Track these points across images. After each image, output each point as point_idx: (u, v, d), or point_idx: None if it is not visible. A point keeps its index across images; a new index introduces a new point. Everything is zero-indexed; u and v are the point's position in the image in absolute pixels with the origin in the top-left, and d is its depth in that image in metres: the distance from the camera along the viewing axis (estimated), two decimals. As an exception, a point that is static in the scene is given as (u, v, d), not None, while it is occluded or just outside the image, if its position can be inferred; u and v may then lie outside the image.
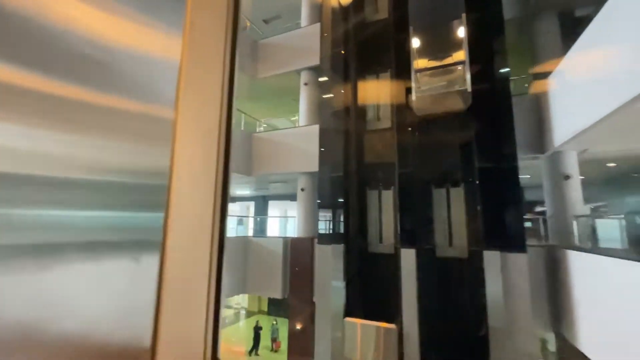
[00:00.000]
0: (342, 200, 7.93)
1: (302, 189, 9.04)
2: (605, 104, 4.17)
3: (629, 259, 4.19)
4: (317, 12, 9.64)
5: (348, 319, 6.91)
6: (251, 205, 17.25)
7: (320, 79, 9.11)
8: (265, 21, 12.50)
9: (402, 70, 7.40)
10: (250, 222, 10.22)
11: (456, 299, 6.69)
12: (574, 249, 5.72)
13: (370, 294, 7.52)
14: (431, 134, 7.32)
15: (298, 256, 8.66)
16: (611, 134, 5.21)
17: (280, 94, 11.66)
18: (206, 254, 0.62)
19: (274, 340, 11.23)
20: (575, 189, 6.31)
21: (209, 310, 0.63)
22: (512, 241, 5.87)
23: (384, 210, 7.86)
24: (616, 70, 3.98)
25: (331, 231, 7.88)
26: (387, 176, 7.87)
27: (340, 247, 7.39)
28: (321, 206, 8.20)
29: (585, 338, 5.50)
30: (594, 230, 5.83)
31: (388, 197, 7.88)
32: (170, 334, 0.54)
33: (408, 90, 7.08)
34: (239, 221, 9.99)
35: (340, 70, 8.69)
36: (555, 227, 6.46)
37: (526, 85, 7.87)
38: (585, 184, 6.54)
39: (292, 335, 8.76)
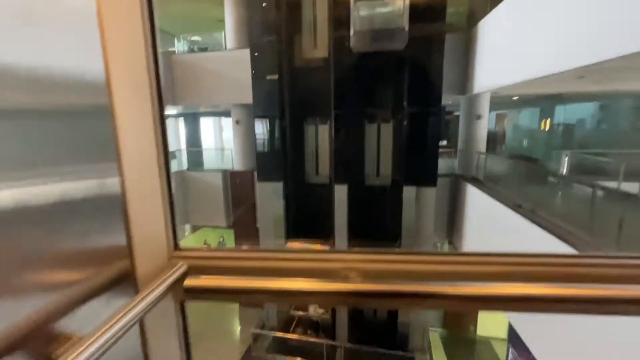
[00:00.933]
0: (279, 135, 7.95)
1: (237, 122, 8.71)
2: (515, 74, 4.63)
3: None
4: None
5: (290, 242, 7.93)
6: (180, 122, 16.00)
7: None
8: None
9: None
10: (184, 155, 9.72)
11: (379, 220, 7.98)
12: (467, 180, 7.03)
13: (308, 219, 8.47)
14: (367, 69, 7.26)
15: (239, 188, 8.96)
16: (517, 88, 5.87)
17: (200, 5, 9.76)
18: (155, 173, 0.76)
19: (222, 254, 12.31)
20: (483, 128, 7.27)
21: (165, 212, 0.79)
22: (426, 178, 6.90)
23: (320, 144, 8.19)
24: (525, 48, 4.31)
25: (270, 165, 8.11)
26: (323, 110, 7.91)
27: (279, 185, 7.81)
28: (258, 139, 8.15)
29: (465, 243, 7.32)
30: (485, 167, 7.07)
31: (324, 132, 8.12)
32: (139, 234, 0.69)
33: (344, 22, 6.59)
34: (172, 155, 9.51)
35: (271, -18, 7.42)
36: (464, 161, 7.63)
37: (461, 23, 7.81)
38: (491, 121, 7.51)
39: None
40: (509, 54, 4.98)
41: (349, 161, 7.68)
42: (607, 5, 2.97)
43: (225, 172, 9.03)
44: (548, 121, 11.82)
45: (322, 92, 7.69)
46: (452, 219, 7.80)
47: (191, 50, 11.78)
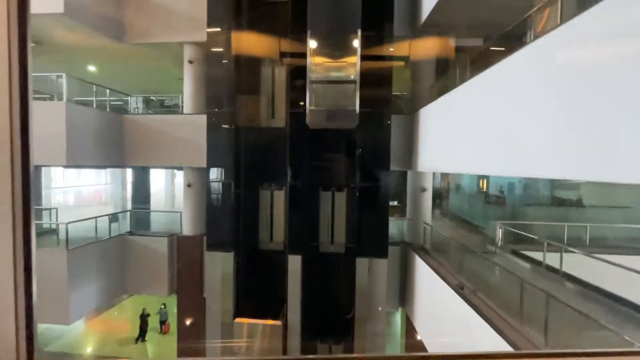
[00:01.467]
0: (232, 201, 7.78)
1: (189, 185, 8.43)
2: (451, 165, 5.18)
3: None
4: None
5: (237, 319, 7.39)
6: (129, 173, 15.07)
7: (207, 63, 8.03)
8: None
9: (299, 68, 7.19)
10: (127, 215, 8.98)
11: (333, 290, 7.86)
12: (415, 250, 7.36)
13: (260, 290, 8.07)
14: (322, 141, 7.63)
15: (186, 254, 8.40)
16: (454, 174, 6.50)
17: (159, 64, 9.85)
18: (8, 255, 0.56)
19: (162, 322, 11.09)
20: (427, 199, 7.81)
21: (18, 308, 0.59)
22: (379, 250, 7.10)
23: (276, 210, 8.14)
24: (459, 143, 4.91)
25: (221, 233, 7.79)
26: (278, 177, 8.00)
27: (230, 255, 7.47)
28: (210, 204, 7.89)
29: (417, 312, 7.40)
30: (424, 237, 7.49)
31: (279, 197, 8.13)
32: None
33: (301, 99, 7.02)
34: (113, 218, 8.78)
35: (229, 56, 7.78)
36: (412, 229, 8.00)
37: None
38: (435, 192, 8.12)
39: (182, 320, 8.85)
40: (446, 143, 5.57)
41: (303, 228, 7.69)
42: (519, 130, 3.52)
43: (172, 237, 8.48)
44: (485, 182, 13.21)
45: (278, 159, 7.87)
46: (404, 287, 7.93)
47: (146, 106, 11.60)
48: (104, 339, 11.10)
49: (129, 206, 14.62)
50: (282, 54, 7.82)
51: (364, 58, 6.78)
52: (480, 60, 4.90)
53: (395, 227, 9.33)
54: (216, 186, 7.88)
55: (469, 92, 4.76)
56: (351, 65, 6.90)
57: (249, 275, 8.00)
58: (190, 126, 8.19)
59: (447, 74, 6.98)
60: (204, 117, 7.95)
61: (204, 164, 7.93)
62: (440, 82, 6.97)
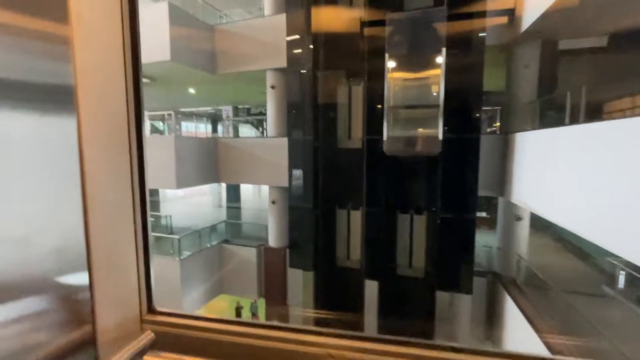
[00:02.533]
0: (311, 222, 8.17)
1: (273, 202, 9.10)
2: (554, 215, 4.46)
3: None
4: None
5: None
6: (223, 190, 17.00)
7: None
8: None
9: (376, 90, 6.98)
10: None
11: (411, 311, 7.72)
12: (505, 286, 6.62)
13: (338, 304, 8.42)
14: (400, 163, 7.35)
15: (271, 264, 9.22)
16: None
17: (247, 83, 10.65)
18: (129, 212, 0.70)
19: (253, 314, 12.60)
20: (523, 229, 6.93)
21: (139, 266, 0.71)
22: (462, 285, 6.64)
23: (352, 230, 8.26)
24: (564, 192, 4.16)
25: (302, 254, 8.30)
26: (355, 197, 8.05)
27: (310, 274, 7.93)
28: (291, 223, 8.43)
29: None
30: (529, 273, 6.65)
31: (356, 217, 8.21)
32: (105, 295, 0.62)
33: (378, 125, 6.82)
34: (212, 228, 10.11)
35: (309, 79, 7.96)
36: (502, 258, 7.25)
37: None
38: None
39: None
40: (553, 187, 4.80)
41: (380, 250, 7.65)
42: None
43: (259, 248, 9.38)
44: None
45: (355, 179, 7.89)
46: (491, 322, 7.32)
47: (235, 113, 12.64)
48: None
49: (224, 204, 16.59)
50: (359, 74, 7.65)
51: (449, 73, 6.19)
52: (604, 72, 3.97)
53: (482, 241, 8.57)
54: (296, 206, 8.35)
55: (602, 135, 3.87)
56: (434, 83, 6.38)
57: (327, 290, 8.40)
58: (274, 148, 8.75)
59: (552, 85, 5.92)
60: (286, 140, 8.40)
61: (286, 184, 8.46)
62: (544, 98, 5.95)
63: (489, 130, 10.31)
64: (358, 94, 7.77)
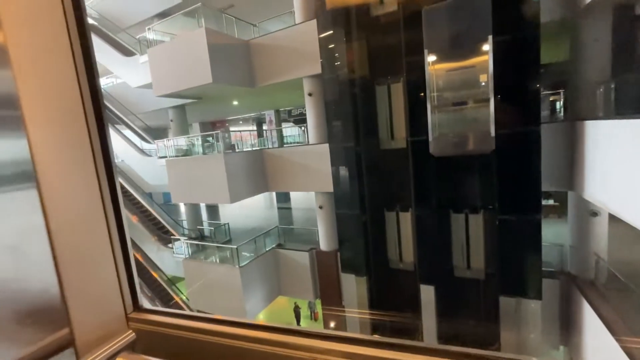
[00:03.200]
0: (360, 226, 8.13)
1: (321, 207, 9.23)
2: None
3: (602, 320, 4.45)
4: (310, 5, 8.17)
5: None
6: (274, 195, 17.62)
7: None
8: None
9: (417, 86, 6.62)
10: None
11: (472, 315, 7.36)
12: (581, 289, 5.92)
13: (393, 307, 8.36)
14: (449, 162, 6.92)
15: (324, 267, 9.43)
16: None
17: (285, 90, 10.81)
18: (99, 213, 0.70)
19: (312, 312, 13.11)
20: (601, 226, 6.15)
21: (117, 265, 0.71)
22: (529, 289, 6.12)
23: (403, 232, 8.06)
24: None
25: (351, 255, 8.33)
26: (403, 198, 7.80)
27: (363, 279, 7.95)
28: (339, 228, 8.47)
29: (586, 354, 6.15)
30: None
31: (406, 219, 7.98)
32: (78, 290, 0.62)
33: (421, 121, 6.46)
34: (266, 234, 10.60)
35: (345, 82, 7.81)
36: (576, 258, 6.54)
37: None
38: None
39: (327, 323, 10.23)
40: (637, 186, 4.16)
41: (433, 252, 7.37)
42: None
43: (311, 251, 9.63)
44: None
45: (402, 180, 7.63)
46: (567, 324, 6.70)
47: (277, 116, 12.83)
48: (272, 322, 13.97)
49: (275, 204, 17.25)
50: (397, 71, 7.28)
51: (499, 61, 5.59)
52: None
53: (551, 234, 7.79)
54: (342, 211, 8.36)
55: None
56: (481, 75, 5.83)
57: (382, 293, 8.37)
58: (316, 155, 8.82)
59: (631, 61, 5.05)
60: (327, 146, 8.40)
61: (331, 189, 8.51)
62: (621, 77, 5.11)
63: (554, 117, 9.18)
64: (398, 92, 7.43)
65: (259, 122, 20.85)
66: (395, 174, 7.83)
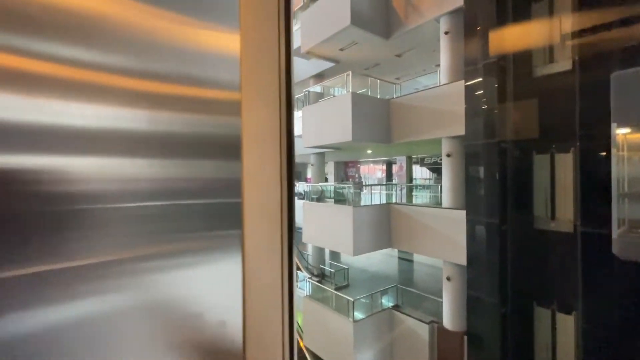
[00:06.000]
0: (496, 314, 6.81)
1: (448, 279, 8.31)
2: None
3: None
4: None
5: None
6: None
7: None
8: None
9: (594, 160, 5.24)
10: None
11: None
12: None
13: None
14: (646, 266, 5.06)
15: (446, 348, 8.29)
16: None
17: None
18: (277, 253, 0.69)
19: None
20: None
21: (284, 313, 0.69)
22: None
23: (561, 338, 6.26)
24: None
25: (483, 345, 6.99)
26: (563, 295, 6.12)
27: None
28: (471, 311, 7.30)
29: None
30: None
31: (566, 323, 6.19)
32: (255, 337, 0.63)
33: (599, 206, 5.00)
34: (384, 292, 10.20)
35: (493, 147, 6.96)
36: None
37: None
38: None
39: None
40: None
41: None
42: None
43: (432, 325, 8.68)
44: None
45: (563, 272, 6.03)
46: None
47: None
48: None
49: (396, 253, 16.53)
50: (567, 139, 5.98)
51: None
52: None
53: None
54: (476, 295, 7.21)
55: None
56: None
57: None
58: (449, 220, 8.12)
59: None
60: (463, 213, 7.60)
61: (462, 261, 7.55)
62: None
63: None
64: (566, 164, 6.11)
65: (389, 164, 21.01)
66: (554, 262, 6.29)
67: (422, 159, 16.47)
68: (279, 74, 0.71)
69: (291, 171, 0.71)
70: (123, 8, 0.50)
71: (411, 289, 10.17)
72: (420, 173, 19.30)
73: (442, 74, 8.34)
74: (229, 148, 0.61)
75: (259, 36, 0.68)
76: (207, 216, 0.57)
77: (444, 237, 8.26)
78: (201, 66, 0.58)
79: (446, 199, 8.38)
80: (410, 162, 16.31)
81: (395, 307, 9.81)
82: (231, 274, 0.59)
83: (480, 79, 7.13)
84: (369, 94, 10.03)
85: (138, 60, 0.51)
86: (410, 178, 15.74)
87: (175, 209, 0.53)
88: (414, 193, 13.14)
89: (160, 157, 0.52)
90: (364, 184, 14.39)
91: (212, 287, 0.57)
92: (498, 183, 6.87)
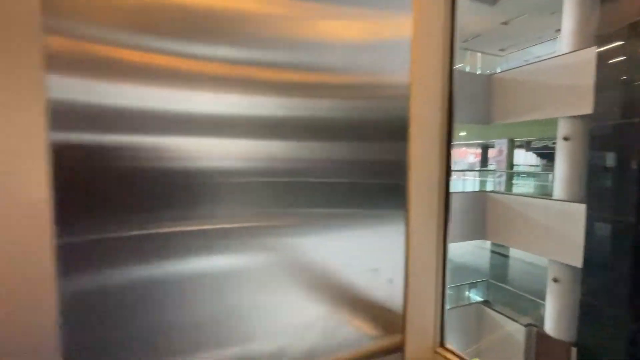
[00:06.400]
0: (622, 329, 5.70)
1: (555, 280, 7.27)
2: None
3: None
4: None
5: None
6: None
7: None
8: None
9: None
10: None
11: None
12: None
13: None
14: None
15: (546, 357, 7.40)
16: None
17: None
18: (433, 230, 0.76)
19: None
20: None
21: (436, 300, 0.77)
22: None
23: None
24: None
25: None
26: None
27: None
28: (585, 320, 6.26)
29: None
30: None
31: None
32: (412, 297, 0.72)
33: None
34: (472, 284, 9.52)
35: (631, 129, 5.61)
36: None
37: None
38: None
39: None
40: None
41: None
42: None
43: (529, 329, 7.80)
44: None
45: None
46: None
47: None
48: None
49: (488, 244, 15.13)
50: None
51: None
52: None
53: None
54: (594, 304, 6.14)
55: None
56: None
57: None
58: (560, 215, 6.99)
59: None
60: (581, 207, 6.44)
61: (574, 262, 6.47)
62: None
63: None
64: None
65: (485, 147, 18.90)
66: None
67: (529, 143, 14.33)
68: (443, 56, 0.71)
69: (449, 155, 0.75)
70: (288, 10, 0.55)
71: (505, 286, 9.25)
72: (524, 158, 16.90)
73: (565, 41, 6.98)
74: (395, 131, 0.66)
75: (430, 18, 0.68)
76: (374, 192, 0.65)
77: (552, 233, 7.18)
78: (370, 54, 0.61)
79: (558, 189, 7.21)
80: (512, 145, 14.35)
81: (485, 302, 9.08)
82: (396, 243, 0.68)
83: (621, 43, 5.71)
84: (467, 69, 9.05)
85: (305, 55, 0.56)
86: (510, 164, 13.92)
87: (341, 187, 0.62)
88: (513, 181, 11.60)
89: (324, 141, 0.59)
90: (453, 168, 13.29)
91: (380, 253, 0.67)
92: (636, 174, 5.55)
